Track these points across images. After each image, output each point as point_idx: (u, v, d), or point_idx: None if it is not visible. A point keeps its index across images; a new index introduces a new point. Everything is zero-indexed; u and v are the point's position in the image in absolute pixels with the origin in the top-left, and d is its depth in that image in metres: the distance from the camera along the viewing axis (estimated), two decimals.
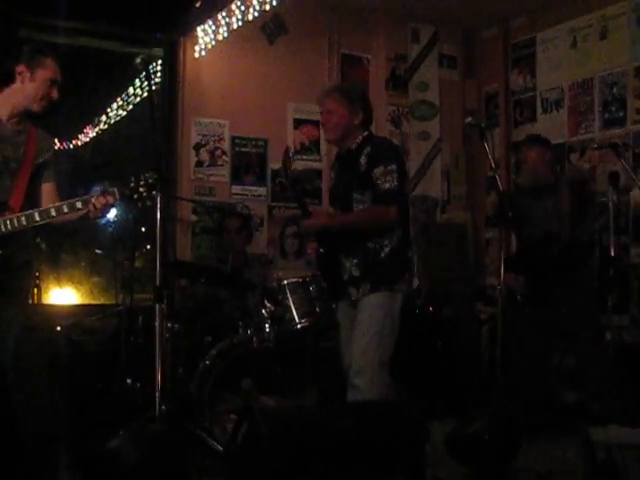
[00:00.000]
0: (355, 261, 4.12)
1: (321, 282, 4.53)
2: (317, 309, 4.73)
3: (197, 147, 6.71)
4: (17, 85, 3.85)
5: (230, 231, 6.00)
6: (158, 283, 3.78)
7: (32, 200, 3.87)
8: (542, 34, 7.05)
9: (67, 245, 6.81)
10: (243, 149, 6.85)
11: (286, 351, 5.02)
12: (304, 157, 7.02)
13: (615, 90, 6.36)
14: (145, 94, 6.88)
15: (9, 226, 3.70)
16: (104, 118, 7.31)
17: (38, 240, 4.16)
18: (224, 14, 6.23)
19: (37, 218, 3.72)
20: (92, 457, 3.99)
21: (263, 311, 5.15)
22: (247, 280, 5.60)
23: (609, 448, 3.74)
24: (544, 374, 5.29)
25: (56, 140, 6.72)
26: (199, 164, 6.71)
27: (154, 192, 3.73)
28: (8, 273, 3.80)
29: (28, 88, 3.85)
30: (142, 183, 3.72)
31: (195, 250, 6.62)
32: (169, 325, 4.97)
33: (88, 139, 7.36)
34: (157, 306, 3.78)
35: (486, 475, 3.94)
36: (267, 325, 5.08)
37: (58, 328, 5.38)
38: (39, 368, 4.74)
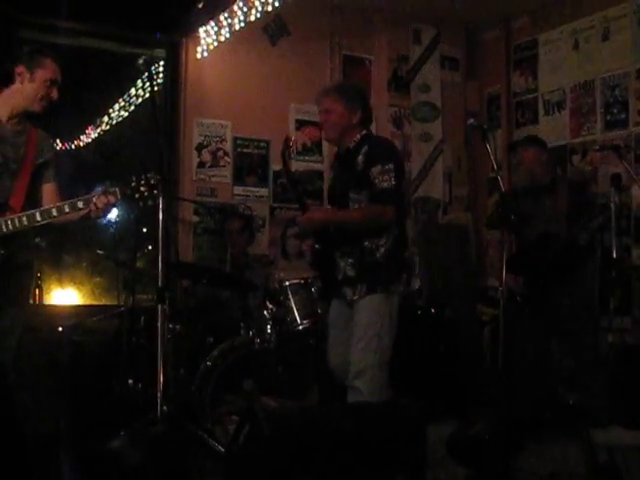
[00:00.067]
0: (350, 261, 4.10)
1: None
2: (319, 310, 4.74)
3: (199, 148, 6.71)
4: (16, 86, 3.86)
5: (232, 232, 6.01)
6: (160, 284, 3.78)
7: (33, 200, 3.88)
8: (544, 36, 7.04)
9: (69, 245, 6.82)
10: (245, 150, 6.85)
11: (287, 352, 5.03)
12: (306, 158, 7.02)
13: (617, 92, 6.36)
14: (147, 95, 6.90)
15: (10, 226, 3.70)
16: (106, 119, 7.32)
17: (39, 240, 4.14)
18: (226, 15, 6.23)
19: (38, 218, 3.73)
20: (93, 458, 3.99)
21: (265, 312, 5.17)
22: (249, 281, 5.60)
23: (611, 450, 3.74)
24: (545, 375, 5.29)
25: (58, 141, 6.83)
26: (201, 165, 6.71)
27: (155, 192, 3.73)
28: (9, 273, 3.80)
29: (28, 89, 3.85)
30: (143, 183, 3.72)
31: (197, 251, 6.62)
32: (171, 326, 4.96)
33: (90, 140, 7.37)
34: (159, 307, 3.79)
35: (487, 476, 3.93)
36: (269, 326, 5.09)
37: (60, 329, 5.38)
38: (40, 369, 4.75)
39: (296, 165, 6.91)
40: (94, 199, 3.71)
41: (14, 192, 3.80)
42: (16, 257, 3.81)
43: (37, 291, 5.95)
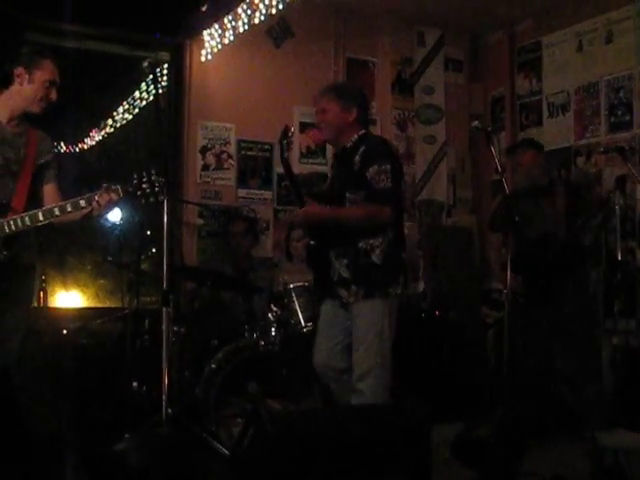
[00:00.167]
0: (345, 262, 4.07)
1: None
2: None
3: (203, 151, 6.71)
4: (15, 87, 3.87)
5: (236, 234, 6.00)
6: (165, 287, 3.79)
7: (34, 201, 3.89)
8: (548, 38, 7.04)
9: (73, 248, 6.82)
10: (249, 153, 6.85)
11: (292, 355, 5.03)
12: (310, 160, 7.02)
13: (621, 94, 6.35)
14: (151, 98, 6.90)
15: (13, 227, 3.71)
16: (110, 122, 7.33)
17: (44, 242, 4.15)
18: (230, 18, 6.23)
19: (41, 218, 3.74)
20: (98, 460, 3.99)
21: (269, 315, 5.17)
22: (253, 284, 5.61)
23: (616, 452, 3.73)
24: (548, 377, 5.29)
25: (62, 143, 6.84)
26: (205, 168, 6.71)
27: (157, 189, 3.73)
28: (12, 275, 3.81)
29: (27, 90, 3.87)
30: (145, 180, 3.73)
31: (201, 254, 6.62)
32: (175, 328, 4.97)
33: (94, 143, 7.37)
34: (164, 310, 3.79)
35: (491, 479, 3.93)
36: (273, 329, 5.09)
37: (64, 331, 5.39)
38: (45, 371, 4.75)
39: (300, 167, 6.91)
40: (96, 197, 3.72)
41: (16, 193, 3.81)
42: (19, 258, 3.82)
43: (42, 294, 5.95)
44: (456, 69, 7.66)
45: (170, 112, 6.65)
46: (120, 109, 7.21)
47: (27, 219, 3.73)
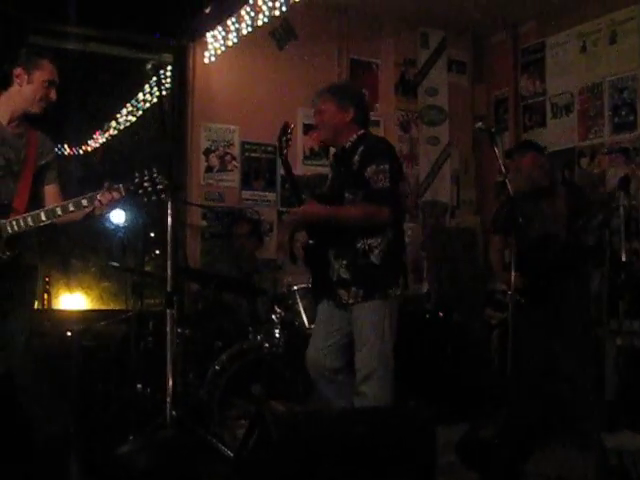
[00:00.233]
0: (344, 262, 4.05)
1: None
2: None
3: (207, 152, 6.72)
4: (15, 88, 3.88)
5: (240, 236, 6.01)
6: (169, 289, 3.79)
7: (36, 202, 3.89)
8: (551, 39, 7.04)
9: (77, 250, 6.83)
10: (253, 154, 6.85)
11: (296, 356, 5.02)
12: (314, 162, 7.02)
13: (625, 94, 6.34)
14: (154, 100, 6.90)
15: (15, 227, 3.72)
16: (114, 124, 7.33)
17: (45, 243, 4.15)
18: (234, 20, 6.24)
19: (43, 218, 3.74)
20: (102, 462, 3.99)
21: (273, 316, 5.17)
22: (257, 285, 5.60)
23: (620, 454, 3.72)
24: (550, 378, 5.27)
25: (66, 146, 6.85)
26: (209, 169, 6.72)
27: (159, 187, 3.74)
28: (15, 275, 3.81)
29: (26, 90, 3.87)
30: (147, 179, 3.73)
31: (205, 256, 6.62)
32: (179, 330, 4.97)
33: (98, 145, 7.38)
34: (168, 312, 3.79)
35: None
36: (277, 330, 5.09)
37: (68, 333, 5.39)
38: (49, 373, 4.75)
39: (304, 169, 6.92)
40: (98, 196, 3.72)
41: (17, 194, 3.82)
42: (22, 258, 3.83)
43: (46, 296, 5.97)
44: (459, 70, 7.66)
45: (174, 114, 6.65)
46: (124, 111, 7.21)
47: (29, 219, 3.73)
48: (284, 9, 5.95)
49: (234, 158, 6.81)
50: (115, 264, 5.53)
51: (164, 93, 6.37)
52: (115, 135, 7.28)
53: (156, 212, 5.29)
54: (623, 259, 5.12)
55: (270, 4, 5.94)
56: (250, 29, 6.18)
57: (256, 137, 6.84)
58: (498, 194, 7.25)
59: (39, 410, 3.95)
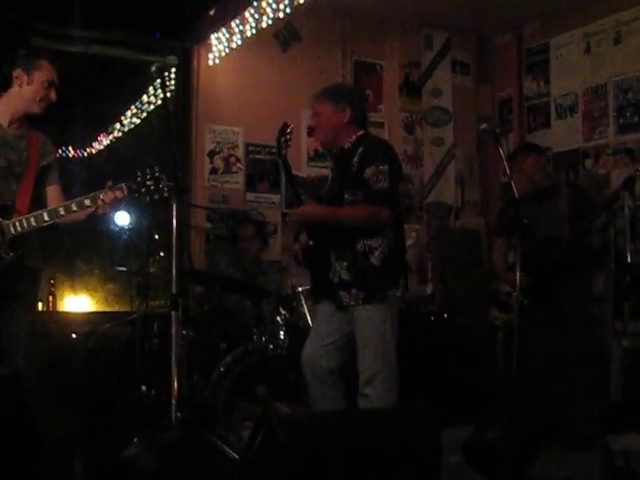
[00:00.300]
0: (345, 264, 4.04)
1: None
2: None
3: (211, 154, 6.72)
4: (15, 89, 3.89)
5: (244, 238, 6.00)
6: (174, 291, 3.79)
7: (38, 203, 3.90)
8: (555, 40, 7.03)
9: (82, 252, 6.83)
10: (257, 156, 6.85)
11: (301, 358, 5.01)
12: (318, 164, 7.01)
13: (630, 95, 6.34)
14: (159, 102, 6.91)
15: (19, 228, 3.72)
16: (118, 126, 7.34)
17: (47, 244, 4.15)
18: (238, 22, 6.24)
19: (46, 218, 3.75)
20: (108, 464, 3.99)
21: (278, 318, 5.17)
22: (262, 287, 5.60)
23: (626, 455, 3.72)
24: (554, 379, 5.27)
25: (70, 148, 6.85)
26: (213, 171, 6.72)
27: (161, 186, 3.74)
28: (19, 277, 3.82)
29: (26, 91, 3.88)
30: (149, 178, 3.73)
31: (209, 258, 6.62)
32: (184, 332, 4.97)
33: (102, 147, 7.38)
34: (173, 314, 3.79)
35: None
36: (282, 332, 5.09)
37: (73, 335, 5.40)
38: (54, 375, 4.75)
39: (308, 171, 6.92)
40: (101, 195, 3.73)
41: (20, 195, 3.83)
42: (25, 259, 3.83)
43: (51, 298, 5.98)
44: (464, 71, 7.66)
45: (178, 116, 6.65)
46: (128, 113, 7.22)
47: (32, 220, 3.74)
48: (288, 11, 5.95)
49: (238, 160, 6.81)
50: (122, 268, 5.54)
51: (168, 95, 6.37)
52: (119, 137, 7.29)
53: (161, 214, 5.28)
54: (628, 260, 5.12)
55: (274, 6, 5.95)
56: (254, 31, 6.19)
57: (260, 139, 6.83)
58: (503, 195, 7.25)
59: (44, 412, 3.94)
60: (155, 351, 5.16)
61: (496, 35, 7.64)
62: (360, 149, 4.08)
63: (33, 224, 3.74)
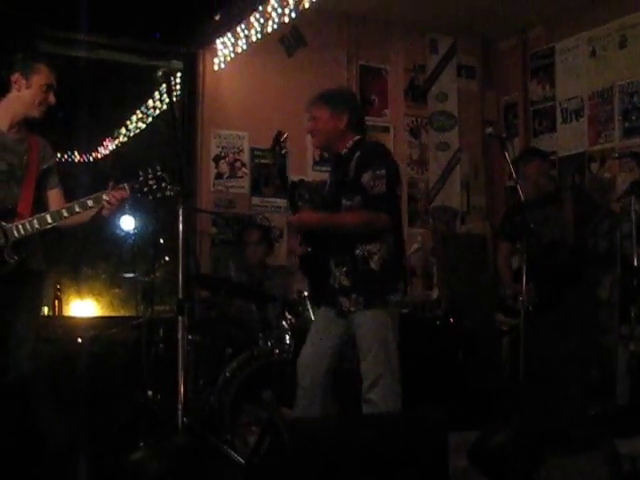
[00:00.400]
0: (344, 269, 4.02)
1: None
2: None
3: (216, 159, 6.73)
4: (14, 94, 3.90)
5: (250, 243, 6.00)
6: (181, 296, 3.79)
7: (40, 207, 3.90)
8: (561, 44, 7.02)
9: (88, 257, 6.85)
10: (262, 161, 6.85)
11: None
12: (323, 168, 7.01)
13: (635, 99, 6.32)
14: (164, 107, 6.92)
15: (22, 231, 3.73)
16: (123, 131, 7.35)
17: (49, 247, 4.16)
18: (243, 27, 6.25)
19: (49, 220, 3.75)
20: (113, 469, 3.99)
21: (283, 323, 5.17)
22: (267, 292, 5.60)
23: (634, 460, 3.71)
24: (560, 383, 5.26)
25: (76, 152, 6.87)
26: (219, 176, 6.72)
27: (163, 184, 3.74)
28: (23, 281, 3.82)
29: (25, 95, 3.89)
30: (151, 177, 3.74)
31: (215, 262, 6.62)
32: (190, 337, 4.97)
33: (108, 152, 7.40)
34: (180, 318, 3.79)
35: None
36: (287, 336, 5.09)
37: (79, 340, 5.40)
38: (60, 380, 4.76)
39: (313, 175, 6.92)
40: (104, 196, 3.73)
41: (21, 198, 3.83)
42: (29, 263, 3.83)
43: (56, 302, 5.98)
44: (469, 76, 7.66)
45: (183, 121, 6.66)
46: (134, 118, 7.23)
47: (36, 222, 3.74)
48: (293, 16, 5.95)
49: (244, 164, 6.82)
50: (129, 275, 5.54)
51: (174, 100, 6.38)
52: (125, 142, 7.30)
53: (166, 218, 5.29)
54: (635, 264, 5.10)
55: (279, 11, 5.95)
56: (259, 36, 6.19)
57: (266, 143, 6.72)
58: (509, 200, 7.25)
59: (50, 416, 3.95)
60: (161, 356, 5.16)
61: (501, 39, 7.64)
62: (357, 154, 4.07)
63: (36, 227, 3.74)
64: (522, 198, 4.56)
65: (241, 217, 6.60)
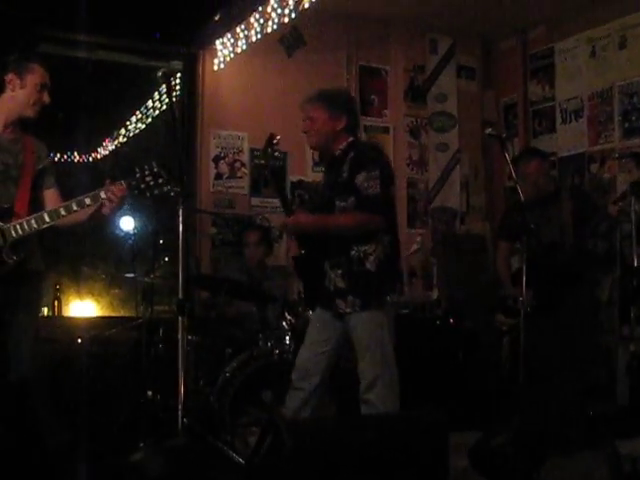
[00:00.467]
0: (340, 272, 4.02)
1: None
2: None
3: (216, 159, 6.73)
4: (8, 94, 3.89)
5: (250, 243, 6.00)
6: (181, 296, 3.78)
7: (36, 207, 3.89)
8: (560, 44, 7.02)
9: (87, 258, 6.85)
10: (262, 161, 6.85)
11: None
12: (322, 169, 7.00)
13: (635, 99, 6.33)
14: (164, 107, 6.92)
15: (20, 231, 3.72)
16: (123, 131, 7.35)
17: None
18: (243, 27, 6.25)
19: (47, 219, 3.74)
20: (113, 470, 3.99)
21: (283, 323, 5.16)
22: (267, 292, 5.60)
23: (634, 460, 3.71)
24: (560, 385, 5.26)
25: (76, 153, 6.87)
26: (218, 176, 6.72)
27: (160, 181, 3.73)
28: (22, 281, 3.81)
29: (20, 95, 3.88)
30: (147, 173, 3.73)
31: (214, 262, 6.62)
32: (189, 337, 4.96)
33: (107, 152, 7.40)
34: (180, 319, 3.78)
35: None
36: (287, 337, 5.09)
37: (79, 340, 5.40)
38: (59, 380, 4.76)
39: (313, 176, 6.91)
40: (102, 194, 3.72)
41: (18, 198, 3.82)
42: (27, 263, 3.83)
43: (56, 303, 5.99)
44: (469, 76, 7.66)
45: (183, 121, 6.66)
46: (133, 118, 7.23)
47: (33, 222, 3.73)
48: (293, 16, 5.95)
49: (243, 165, 6.82)
50: (129, 275, 5.54)
51: (174, 100, 6.38)
52: (125, 142, 7.30)
53: (165, 219, 5.29)
54: (635, 264, 5.10)
55: (279, 11, 5.94)
56: (259, 36, 6.19)
57: None
58: (508, 200, 7.25)
59: (50, 417, 3.94)
60: (160, 356, 5.15)
61: (501, 40, 7.64)
62: (350, 155, 4.06)
63: (34, 226, 3.73)
64: (522, 198, 4.56)
65: (241, 218, 6.60)
